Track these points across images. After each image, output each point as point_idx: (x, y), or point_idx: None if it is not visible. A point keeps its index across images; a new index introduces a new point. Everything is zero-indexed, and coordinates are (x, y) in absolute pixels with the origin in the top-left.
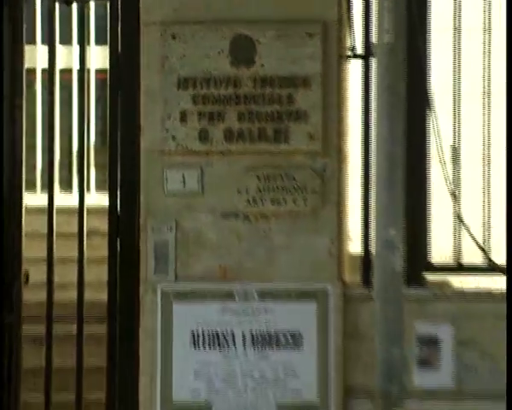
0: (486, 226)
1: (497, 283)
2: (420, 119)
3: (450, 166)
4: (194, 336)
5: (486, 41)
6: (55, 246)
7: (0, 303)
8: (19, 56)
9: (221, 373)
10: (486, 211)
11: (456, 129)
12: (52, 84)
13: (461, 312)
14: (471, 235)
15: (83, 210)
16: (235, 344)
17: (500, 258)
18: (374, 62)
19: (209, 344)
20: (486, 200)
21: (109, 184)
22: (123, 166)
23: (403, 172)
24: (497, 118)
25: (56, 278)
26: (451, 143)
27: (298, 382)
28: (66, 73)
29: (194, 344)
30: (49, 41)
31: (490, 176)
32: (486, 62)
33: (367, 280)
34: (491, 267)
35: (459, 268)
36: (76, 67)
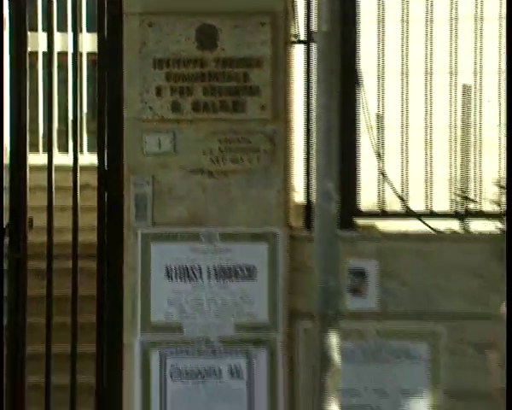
0: (405, 180)
1: (413, 225)
2: (351, 92)
3: (375, 130)
4: (168, 270)
5: (404, 30)
6: (53, 197)
7: (11, 243)
8: (23, 42)
9: (190, 300)
10: (405, 167)
11: (381, 100)
12: (51, 65)
13: (384, 249)
14: (392, 187)
15: (77, 168)
16: (201, 277)
17: (415, 205)
18: (314, 47)
19: (180, 277)
20: (405, 158)
21: (98, 146)
22: (109, 132)
23: (338, 136)
24: (413, 92)
25: (55, 224)
26: (376, 112)
27: (252, 306)
28: (63, 55)
29: (168, 277)
30: (48, 28)
31: (408, 138)
32: (405, 47)
33: (308, 224)
34: (407, 213)
35: (383, 214)
36: (71, 50)
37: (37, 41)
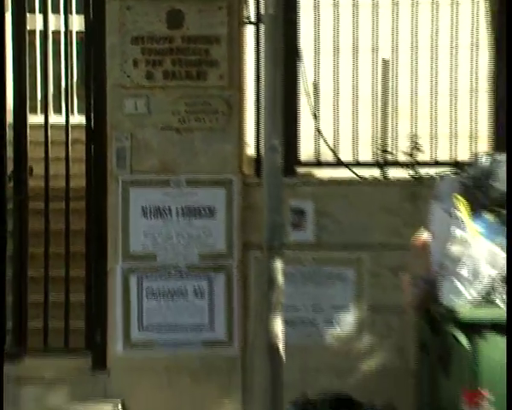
0: (336, 136)
1: (343, 173)
2: (293, 65)
3: (312, 96)
4: (143, 209)
5: (336, 14)
6: (49, 150)
7: (14, 188)
8: (23, 22)
9: (162, 234)
10: (336, 125)
11: (317, 72)
12: (46, 41)
13: (319, 193)
14: (326, 142)
15: (68, 126)
16: (171, 215)
17: (344, 156)
18: (262, 27)
19: (154, 215)
20: (336, 118)
21: (86, 108)
22: (95, 97)
23: (281, 101)
24: (343, 65)
25: (51, 172)
26: (313, 81)
27: (212, 239)
28: (57, 33)
29: (144, 215)
30: (44, 11)
31: (339, 102)
32: (336, 28)
33: (258, 172)
34: (338, 163)
35: (318, 164)
36: (63, 29)
37: (35, 21)
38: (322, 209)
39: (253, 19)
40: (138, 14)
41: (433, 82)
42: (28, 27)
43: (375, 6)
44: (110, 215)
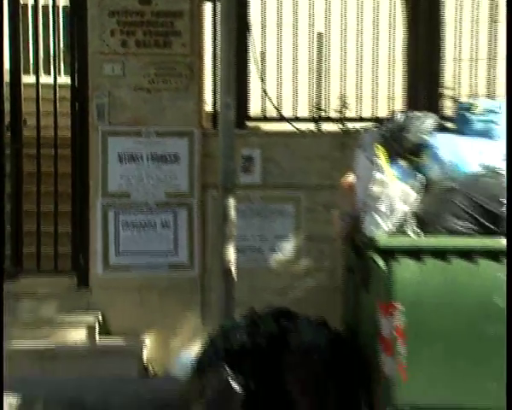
0: (279, 95)
1: (284, 126)
2: (244, 37)
3: (260, 63)
4: (119, 156)
5: None
6: (40, 105)
7: (11, 136)
8: None
9: (135, 176)
10: (279, 87)
11: (264, 42)
12: (37, 14)
13: (265, 143)
14: (270, 100)
15: (56, 86)
16: (142, 160)
17: (286, 112)
18: (219, 4)
19: (128, 160)
20: (279, 81)
21: (71, 71)
22: (78, 61)
23: (234, 66)
24: (285, 37)
25: (42, 123)
26: (260, 50)
27: (177, 181)
28: (46, 7)
29: (120, 160)
30: None
31: (282, 68)
32: (279, 6)
33: (215, 125)
34: (280, 118)
35: (264, 118)
36: (51, 4)
37: None
38: (268, 156)
39: None
40: None
41: (359, 52)
42: (22, 2)
43: None
44: (91, 160)
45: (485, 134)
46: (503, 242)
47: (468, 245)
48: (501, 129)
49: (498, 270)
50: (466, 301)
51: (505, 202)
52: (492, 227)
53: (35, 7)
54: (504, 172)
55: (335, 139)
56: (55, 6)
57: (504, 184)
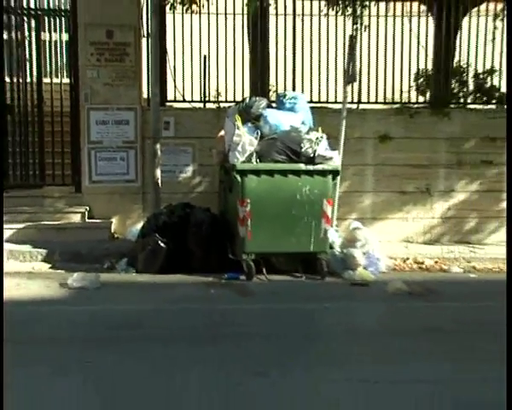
0: (184, 85)
1: (188, 105)
2: (164, 55)
3: (172, 66)
4: (96, 121)
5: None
6: (53, 93)
7: (38, 111)
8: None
9: (105, 132)
10: (183, 80)
11: (179, 55)
12: (50, 44)
13: (176, 114)
14: (178, 90)
15: (61, 83)
16: (109, 123)
17: (187, 97)
18: (150, 40)
19: (101, 123)
20: (185, 75)
21: (70, 75)
22: (74, 70)
23: (158, 72)
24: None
25: (56, 103)
26: (173, 64)
27: (128, 134)
28: (55, 41)
29: (97, 123)
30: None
31: (184, 67)
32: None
33: (149, 104)
34: (185, 100)
35: (175, 101)
36: (59, 39)
37: None
38: (178, 121)
39: (145, 34)
40: (93, 32)
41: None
42: (42, 38)
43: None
44: (81, 123)
45: (292, 110)
46: (301, 166)
47: (284, 168)
48: (299, 107)
49: (298, 180)
50: (282, 196)
51: (303, 145)
52: (295, 158)
53: (50, 41)
54: (302, 129)
55: (214, 112)
56: (61, 39)
57: (302, 135)
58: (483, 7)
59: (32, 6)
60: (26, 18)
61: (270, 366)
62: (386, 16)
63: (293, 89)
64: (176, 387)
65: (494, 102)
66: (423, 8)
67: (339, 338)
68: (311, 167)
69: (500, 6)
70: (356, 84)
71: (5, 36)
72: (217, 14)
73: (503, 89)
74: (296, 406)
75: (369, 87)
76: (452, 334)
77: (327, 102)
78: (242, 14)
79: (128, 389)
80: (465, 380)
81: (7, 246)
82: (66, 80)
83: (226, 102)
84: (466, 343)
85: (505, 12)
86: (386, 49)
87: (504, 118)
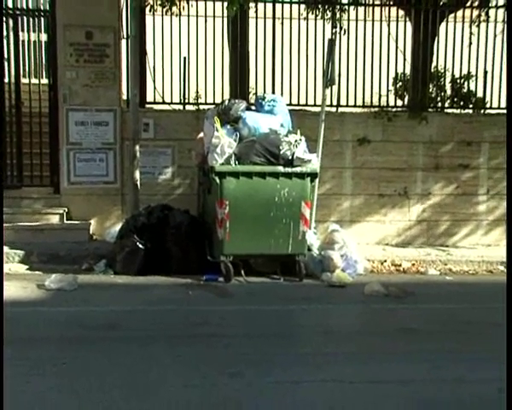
0: (164, 88)
1: (167, 107)
2: (143, 57)
3: (152, 68)
4: (76, 122)
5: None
6: (32, 94)
7: (16, 111)
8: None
9: (84, 133)
10: (162, 82)
11: (159, 56)
12: (29, 45)
13: (156, 116)
14: (157, 91)
15: (40, 85)
16: (88, 124)
17: (167, 99)
18: (129, 41)
19: (80, 124)
20: (163, 78)
21: (49, 75)
22: (53, 71)
23: (138, 74)
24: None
25: (34, 104)
26: (153, 65)
27: (107, 136)
28: (35, 42)
29: (76, 124)
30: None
31: (164, 70)
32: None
33: (128, 106)
34: (164, 102)
35: (155, 102)
36: (37, 39)
37: None
38: (157, 123)
39: (125, 36)
40: (72, 33)
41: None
42: (21, 38)
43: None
44: (60, 124)
45: (271, 112)
46: (280, 168)
47: (262, 170)
48: (278, 110)
49: (276, 183)
50: (260, 198)
51: (282, 147)
52: (274, 161)
53: (28, 42)
54: (281, 131)
55: (193, 114)
56: (40, 40)
57: (281, 137)
58: (459, 13)
59: (10, 6)
60: (4, 17)
61: (246, 366)
62: (365, 20)
63: (273, 91)
64: (151, 387)
65: (471, 106)
66: (401, 13)
67: (316, 339)
68: (289, 170)
69: (476, 12)
70: (335, 88)
71: None
72: (197, 16)
73: (480, 94)
74: (271, 406)
75: (347, 90)
76: (428, 335)
77: (306, 104)
78: (222, 16)
79: (103, 389)
80: (440, 380)
81: None
82: (44, 81)
83: (206, 104)
84: (442, 344)
85: (505, 14)
86: (364, 53)
87: (480, 123)
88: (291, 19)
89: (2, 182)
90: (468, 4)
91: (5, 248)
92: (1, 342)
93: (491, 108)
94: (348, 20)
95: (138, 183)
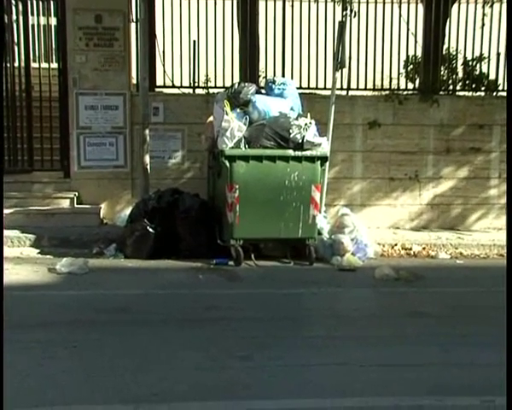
0: (174, 71)
1: (176, 91)
2: (153, 40)
3: (161, 53)
4: (85, 106)
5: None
6: (41, 78)
7: (26, 96)
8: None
9: (94, 117)
10: (173, 66)
11: (169, 39)
12: (39, 29)
13: (165, 99)
14: (167, 75)
15: (50, 68)
16: (98, 109)
17: (177, 82)
18: (139, 24)
19: (90, 108)
20: (174, 62)
21: (59, 59)
22: (63, 54)
23: (147, 57)
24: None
25: (45, 88)
26: (163, 47)
27: (117, 119)
28: (44, 25)
29: (86, 109)
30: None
31: (174, 54)
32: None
33: (137, 89)
34: (174, 86)
35: (165, 86)
36: (47, 23)
37: None
38: (167, 107)
39: (134, 19)
40: (81, 16)
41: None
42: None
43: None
44: (70, 108)
45: (281, 95)
46: (290, 152)
47: (272, 154)
48: (288, 93)
49: (286, 166)
50: (270, 181)
51: (292, 130)
52: (284, 144)
53: (38, 26)
54: (291, 115)
55: (203, 97)
56: (49, 24)
57: (291, 121)
58: None
59: None
60: (13, 1)
61: (256, 349)
62: (375, 2)
63: (283, 74)
64: (162, 370)
65: (483, 89)
66: None
67: (325, 323)
68: (299, 153)
69: None
70: (345, 71)
71: None
72: None
73: (492, 76)
74: (281, 389)
75: (358, 73)
76: (438, 319)
77: (316, 88)
78: None
79: (114, 371)
80: (450, 363)
81: None
82: (54, 65)
83: (215, 87)
84: (452, 328)
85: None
86: (375, 36)
87: (492, 105)
88: (301, 1)
89: (2, 169)
90: None
91: (17, 233)
92: (1, 343)
93: (503, 90)
94: (359, 2)
95: (148, 167)
